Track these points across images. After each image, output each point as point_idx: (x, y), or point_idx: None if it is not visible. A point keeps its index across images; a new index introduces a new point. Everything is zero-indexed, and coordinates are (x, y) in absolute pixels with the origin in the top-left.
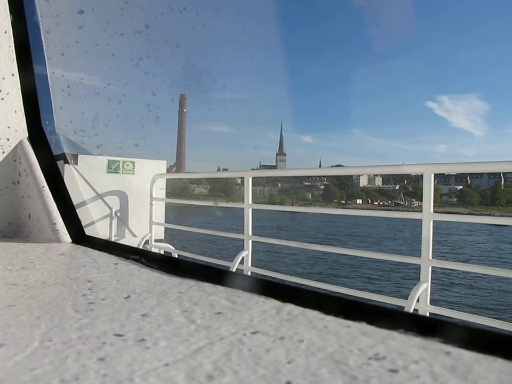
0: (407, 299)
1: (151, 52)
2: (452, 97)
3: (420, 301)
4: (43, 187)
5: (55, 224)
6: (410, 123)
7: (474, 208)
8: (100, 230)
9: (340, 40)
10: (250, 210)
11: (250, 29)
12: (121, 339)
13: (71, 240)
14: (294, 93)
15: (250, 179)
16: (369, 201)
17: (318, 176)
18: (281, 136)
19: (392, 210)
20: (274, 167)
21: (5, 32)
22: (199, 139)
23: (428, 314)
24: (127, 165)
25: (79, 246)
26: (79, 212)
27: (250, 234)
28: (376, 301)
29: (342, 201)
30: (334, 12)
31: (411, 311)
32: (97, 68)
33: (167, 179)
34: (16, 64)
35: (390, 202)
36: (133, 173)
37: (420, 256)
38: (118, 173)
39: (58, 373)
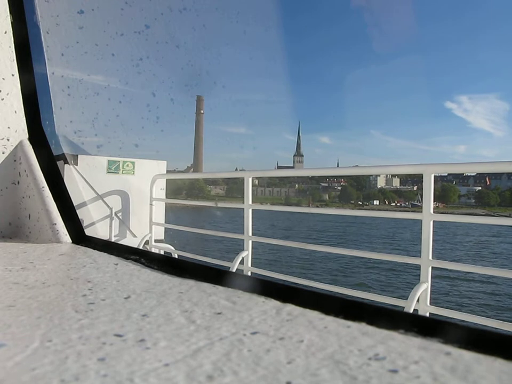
0: (407, 299)
1: (151, 52)
2: (471, 97)
3: (420, 301)
4: (43, 187)
5: (55, 224)
6: (429, 124)
7: (492, 210)
8: (100, 230)
9: (354, 40)
10: (250, 210)
11: (265, 31)
12: (121, 339)
13: (71, 241)
14: (311, 94)
15: (250, 179)
16: (386, 202)
17: (335, 178)
18: (298, 137)
19: (408, 211)
20: (291, 168)
21: (5, 32)
22: (217, 140)
23: (427, 315)
24: (127, 165)
25: (79, 246)
26: (79, 212)
27: (250, 234)
28: (376, 301)
29: (359, 202)
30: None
31: (411, 311)
32: (97, 68)
33: (185, 181)
34: (16, 65)
35: (407, 203)
36: (133, 173)
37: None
38: (118, 173)
39: (58, 373)
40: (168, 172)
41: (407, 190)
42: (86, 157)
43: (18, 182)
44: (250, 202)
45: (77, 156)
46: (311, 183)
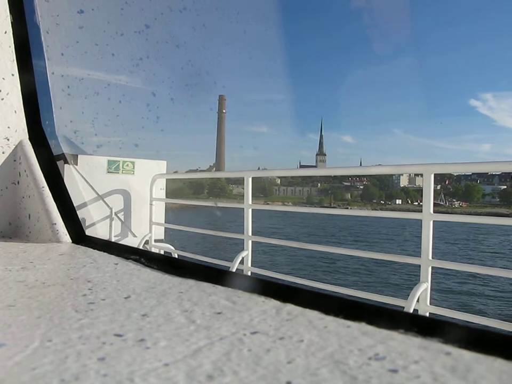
0: (407, 299)
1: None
2: (495, 95)
3: (420, 301)
4: (43, 187)
5: (55, 224)
6: (452, 122)
7: None
8: (101, 230)
9: (378, 37)
10: (250, 210)
11: (284, 31)
12: (121, 339)
13: (71, 240)
14: (334, 92)
15: (250, 179)
16: (409, 202)
17: (357, 177)
18: (321, 136)
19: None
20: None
21: (5, 32)
22: (239, 140)
23: (427, 315)
24: (127, 165)
25: (79, 246)
26: (79, 212)
27: (250, 234)
28: (376, 301)
29: (381, 202)
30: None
31: (411, 311)
32: (98, 68)
33: (206, 180)
34: (16, 64)
35: None
36: (133, 173)
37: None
38: (118, 173)
39: (58, 373)
40: (190, 171)
41: None
42: (86, 157)
43: (18, 182)
44: (250, 202)
45: (77, 155)
46: (334, 182)
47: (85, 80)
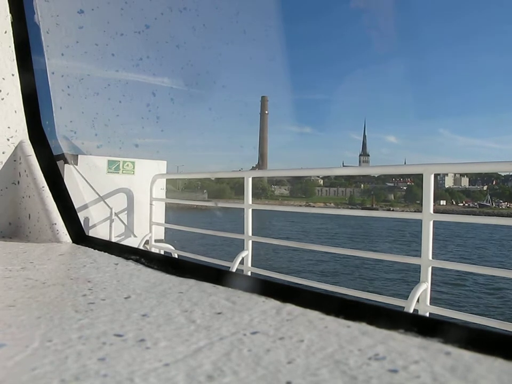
0: (407, 299)
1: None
2: None
3: (420, 301)
4: (43, 187)
5: (55, 224)
6: (501, 121)
7: None
8: (101, 230)
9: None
10: (250, 210)
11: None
12: (121, 339)
13: (71, 240)
14: (377, 91)
15: (250, 179)
16: (454, 203)
17: (401, 177)
18: (364, 137)
19: (476, 212)
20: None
21: (5, 32)
22: (282, 140)
23: (427, 314)
24: (127, 165)
25: (79, 246)
26: (79, 212)
27: (250, 234)
28: (376, 301)
29: None
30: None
31: (411, 311)
32: (98, 68)
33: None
34: (16, 64)
35: (475, 203)
36: (133, 173)
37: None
38: (118, 173)
39: (58, 373)
40: (233, 171)
41: (475, 190)
42: (86, 157)
43: (18, 182)
44: (250, 202)
45: (77, 155)
46: (377, 183)
47: (85, 80)
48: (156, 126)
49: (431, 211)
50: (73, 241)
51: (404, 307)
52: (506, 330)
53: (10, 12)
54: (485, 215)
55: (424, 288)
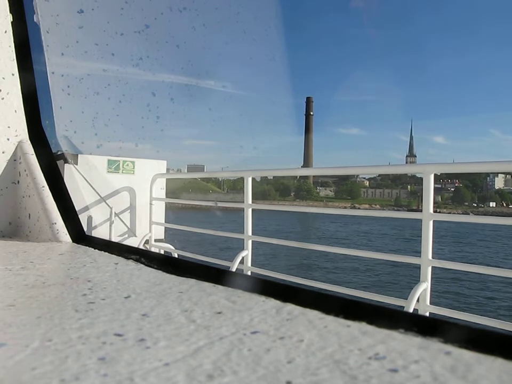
0: (407, 299)
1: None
2: None
3: (420, 301)
4: (43, 187)
5: (55, 224)
6: None
7: None
8: (101, 230)
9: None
10: (250, 210)
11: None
12: (121, 339)
13: (71, 240)
14: (421, 88)
15: (250, 179)
16: (504, 205)
17: (449, 178)
18: (411, 138)
19: None
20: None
21: (5, 32)
22: (329, 142)
23: (427, 314)
24: (127, 164)
25: (79, 245)
26: (79, 212)
27: (250, 234)
28: (376, 301)
29: (474, 205)
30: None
31: (411, 311)
32: (98, 67)
33: (293, 181)
34: (16, 64)
35: None
36: (133, 173)
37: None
38: (118, 172)
39: (58, 372)
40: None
41: None
42: (86, 157)
43: (18, 182)
44: (250, 202)
45: (77, 155)
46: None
47: (85, 80)
48: (155, 126)
49: (431, 211)
50: (73, 241)
51: (403, 307)
52: (506, 330)
53: (10, 12)
54: None
55: (424, 287)
